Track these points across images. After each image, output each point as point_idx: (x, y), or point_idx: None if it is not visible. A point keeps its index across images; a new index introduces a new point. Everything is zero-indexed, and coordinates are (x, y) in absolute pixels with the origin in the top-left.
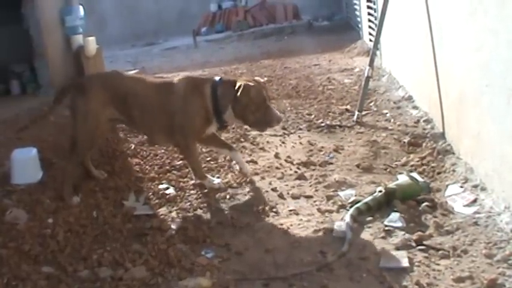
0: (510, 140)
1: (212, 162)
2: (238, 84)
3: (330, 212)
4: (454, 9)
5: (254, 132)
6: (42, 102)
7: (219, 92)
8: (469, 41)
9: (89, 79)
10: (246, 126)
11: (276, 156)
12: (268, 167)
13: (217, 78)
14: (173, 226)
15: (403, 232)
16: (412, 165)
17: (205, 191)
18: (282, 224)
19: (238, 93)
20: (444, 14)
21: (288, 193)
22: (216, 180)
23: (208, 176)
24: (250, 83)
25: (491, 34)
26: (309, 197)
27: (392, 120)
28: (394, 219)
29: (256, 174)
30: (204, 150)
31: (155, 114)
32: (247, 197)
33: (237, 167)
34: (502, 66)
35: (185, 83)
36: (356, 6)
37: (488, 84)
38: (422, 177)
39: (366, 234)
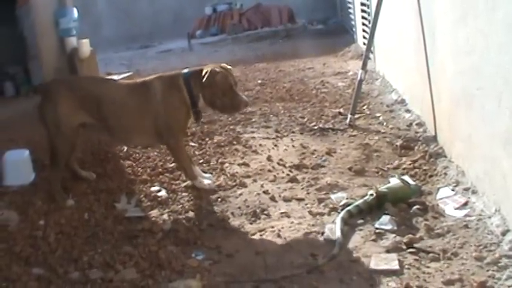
0: (501, 143)
1: (204, 165)
2: (204, 71)
3: (322, 214)
4: (446, 13)
5: (247, 135)
6: (35, 104)
7: (192, 83)
8: (460, 45)
9: (55, 83)
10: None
11: (269, 159)
12: (261, 170)
13: (185, 70)
14: (164, 228)
15: (393, 235)
16: (404, 168)
17: (197, 193)
18: (273, 227)
19: (205, 78)
20: (436, 17)
21: (279, 196)
22: (206, 181)
23: (199, 176)
24: (216, 69)
25: (482, 38)
26: (300, 199)
27: (384, 123)
28: (385, 221)
29: (249, 176)
30: (196, 152)
31: (133, 116)
32: (238, 200)
33: (229, 171)
34: (492, 70)
35: (161, 81)
36: (350, 10)
37: (479, 88)
38: (414, 180)
39: (356, 237)
